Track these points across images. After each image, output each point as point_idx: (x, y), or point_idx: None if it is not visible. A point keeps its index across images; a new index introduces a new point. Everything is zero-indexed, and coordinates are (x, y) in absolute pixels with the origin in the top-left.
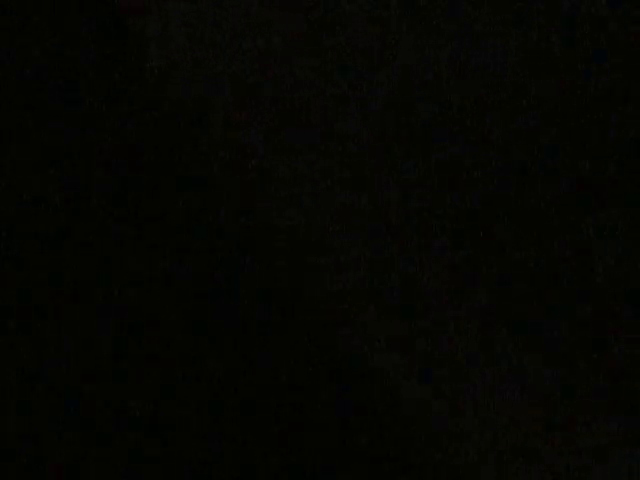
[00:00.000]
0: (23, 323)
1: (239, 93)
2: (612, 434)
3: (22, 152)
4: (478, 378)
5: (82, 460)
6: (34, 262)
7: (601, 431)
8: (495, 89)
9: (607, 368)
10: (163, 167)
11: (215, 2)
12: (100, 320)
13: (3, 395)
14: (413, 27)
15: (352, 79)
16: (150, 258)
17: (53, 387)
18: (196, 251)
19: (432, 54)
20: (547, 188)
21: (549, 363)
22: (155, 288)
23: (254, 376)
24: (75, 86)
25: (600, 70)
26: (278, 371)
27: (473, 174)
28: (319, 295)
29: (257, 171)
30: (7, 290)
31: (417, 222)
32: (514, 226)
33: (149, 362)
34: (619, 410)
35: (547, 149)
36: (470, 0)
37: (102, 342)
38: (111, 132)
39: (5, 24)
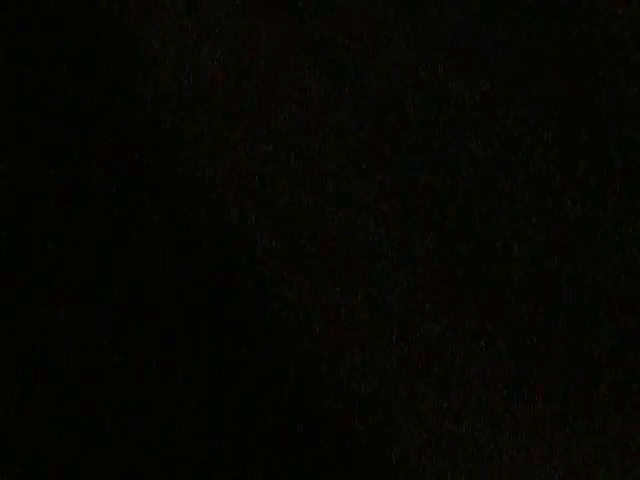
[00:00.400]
0: (23, 323)
1: (239, 92)
2: (612, 434)
3: (22, 152)
4: (478, 378)
5: (82, 460)
6: (34, 262)
7: (601, 431)
8: (495, 88)
9: (607, 368)
10: (163, 167)
11: (215, 2)
12: (100, 320)
13: (3, 395)
14: (413, 26)
15: (350, 78)
16: (150, 258)
17: (53, 387)
18: (196, 251)
19: (431, 52)
20: (548, 187)
21: (549, 364)
22: (155, 288)
23: (254, 376)
24: (75, 86)
25: (600, 69)
26: (278, 371)
27: (473, 173)
28: (319, 295)
29: (257, 171)
30: (7, 290)
31: (417, 222)
32: (515, 225)
33: (149, 362)
34: (619, 410)
35: (547, 148)
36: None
37: (102, 342)
38: (111, 132)
39: (5, 24)
